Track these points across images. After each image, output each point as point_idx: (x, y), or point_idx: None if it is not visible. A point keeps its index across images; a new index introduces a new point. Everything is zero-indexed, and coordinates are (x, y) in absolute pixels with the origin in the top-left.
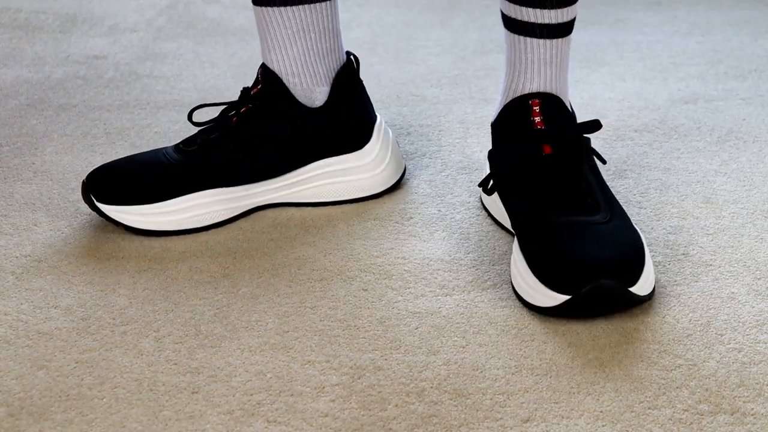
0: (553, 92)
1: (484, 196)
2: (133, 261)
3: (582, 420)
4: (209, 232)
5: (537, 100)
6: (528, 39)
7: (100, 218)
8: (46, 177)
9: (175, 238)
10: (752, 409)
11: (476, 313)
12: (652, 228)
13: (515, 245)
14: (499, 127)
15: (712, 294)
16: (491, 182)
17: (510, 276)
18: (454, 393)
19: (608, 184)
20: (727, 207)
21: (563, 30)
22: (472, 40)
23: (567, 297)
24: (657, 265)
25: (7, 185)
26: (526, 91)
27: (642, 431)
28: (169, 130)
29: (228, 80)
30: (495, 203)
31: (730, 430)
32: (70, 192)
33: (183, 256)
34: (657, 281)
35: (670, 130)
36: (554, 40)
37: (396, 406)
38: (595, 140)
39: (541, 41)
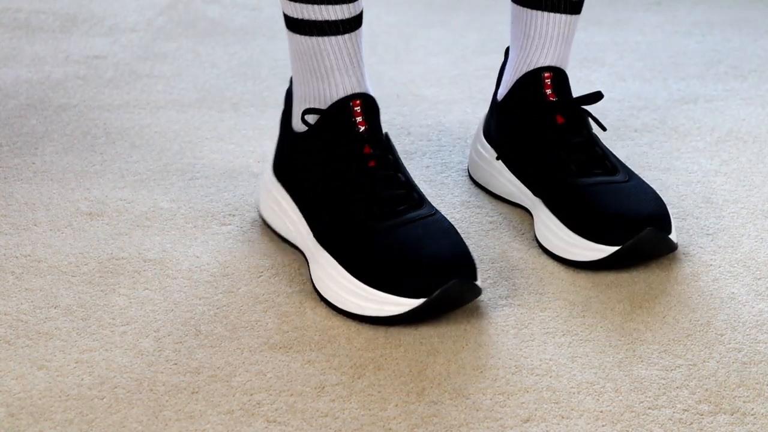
0: (562, 66)
1: (482, 173)
2: (133, 261)
3: (582, 420)
4: (209, 232)
5: (549, 74)
6: (545, 13)
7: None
8: (45, 177)
9: (176, 238)
10: (752, 409)
11: (476, 313)
12: None
13: (540, 209)
14: (510, 100)
15: (712, 294)
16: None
17: (538, 239)
18: (454, 393)
19: None
20: (727, 207)
21: (578, 7)
22: (472, 40)
23: (616, 248)
24: (657, 264)
25: (6, 185)
26: (539, 65)
27: (642, 431)
28: (169, 130)
29: (228, 80)
30: (497, 177)
31: (730, 430)
32: (70, 192)
33: (183, 256)
34: (658, 279)
35: (670, 130)
36: (570, 16)
37: (396, 406)
38: None
39: (559, 16)
